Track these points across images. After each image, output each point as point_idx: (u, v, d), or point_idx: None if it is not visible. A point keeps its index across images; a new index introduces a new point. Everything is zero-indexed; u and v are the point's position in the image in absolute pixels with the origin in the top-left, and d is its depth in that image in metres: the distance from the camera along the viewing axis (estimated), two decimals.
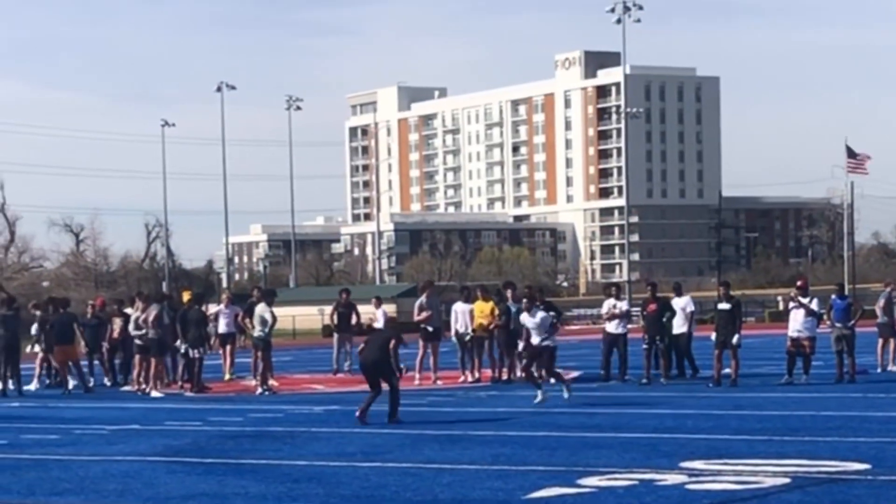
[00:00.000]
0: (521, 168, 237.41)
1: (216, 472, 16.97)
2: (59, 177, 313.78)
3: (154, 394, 30.92)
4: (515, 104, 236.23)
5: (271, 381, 31.45)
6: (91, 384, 33.97)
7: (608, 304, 31.53)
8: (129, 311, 34.66)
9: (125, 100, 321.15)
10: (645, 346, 30.47)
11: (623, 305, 31.78)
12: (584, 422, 22.17)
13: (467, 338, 32.21)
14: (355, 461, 17.57)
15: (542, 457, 17.51)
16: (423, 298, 32.82)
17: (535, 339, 25.65)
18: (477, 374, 32.22)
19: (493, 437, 20.13)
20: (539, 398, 25.13)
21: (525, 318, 25.99)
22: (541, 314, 25.81)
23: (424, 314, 32.28)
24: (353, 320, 36.20)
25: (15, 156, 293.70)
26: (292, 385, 33.44)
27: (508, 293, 32.28)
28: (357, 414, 22.22)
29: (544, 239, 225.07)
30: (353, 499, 14.52)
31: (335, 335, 36.75)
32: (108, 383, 34.94)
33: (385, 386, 22.57)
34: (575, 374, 34.19)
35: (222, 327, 34.38)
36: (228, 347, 34.83)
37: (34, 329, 34.70)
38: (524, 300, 26.73)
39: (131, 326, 32.52)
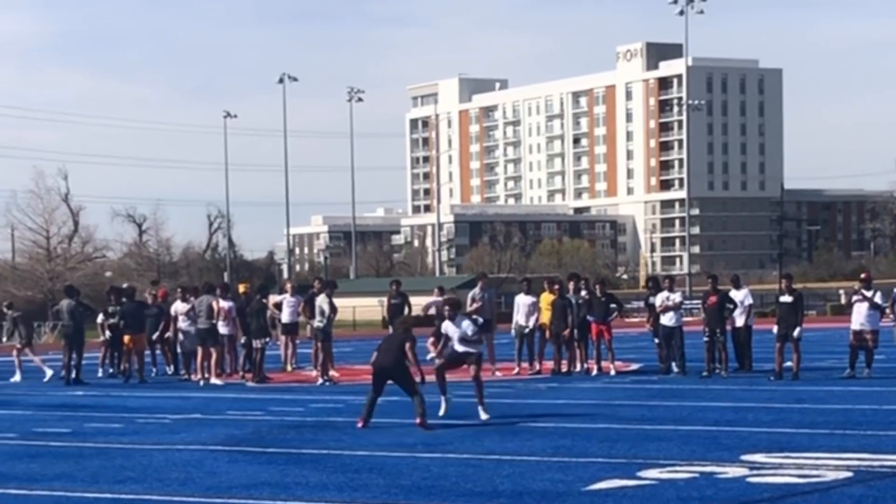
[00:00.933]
0: (582, 160, 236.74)
1: (277, 461, 17.08)
2: (123, 167, 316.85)
3: (214, 381, 31.16)
4: (576, 96, 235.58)
5: (332, 372, 31.65)
6: (154, 373, 34.45)
7: (661, 296, 31.40)
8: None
9: (188, 91, 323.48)
10: (706, 339, 30.36)
11: (676, 297, 31.63)
12: (644, 414, 22.15)
13: (526, 330, 32.33)
14: (416, 452, 17.63)
15: (602, 449, 17.51)
16: (476, 290, 33.15)
17: (458, 348, 22.55)
18: (537, 366, 32.29)
19: (554, 428, 20.15)
20: (442, 409, 22.16)
21: (447, 326, 22.58)
22: (465, 323, 22.76)
23: (475, 305, 32.46)
24: (406, 311, 36.20)
25: (79, 146, 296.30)
26: (353, 376, 33.53)
27: (570, 285, 32.43)
28: (359, 424, 20.74)
29: (604, 231, 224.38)
30: (414, 489, 14.58)
31: (390, 328, 36.74)
32: (170, 372, 35.25)
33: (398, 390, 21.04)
34: (635, 366, 34.25)
35: (286, 317, 34.42)
36: (292, 337, 34.97)
37: (100, 318, 35.10)
38: (452, 310, 22.81)
39: (181, 319, 32.99)
